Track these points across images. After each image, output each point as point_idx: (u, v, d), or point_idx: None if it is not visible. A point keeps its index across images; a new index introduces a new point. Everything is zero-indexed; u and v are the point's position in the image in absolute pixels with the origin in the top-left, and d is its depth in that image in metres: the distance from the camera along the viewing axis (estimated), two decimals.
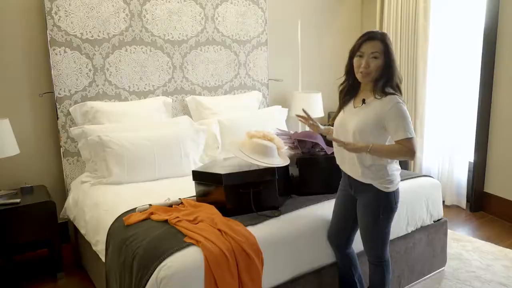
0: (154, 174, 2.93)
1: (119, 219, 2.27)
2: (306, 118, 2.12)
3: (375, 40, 1.90)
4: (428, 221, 2.72)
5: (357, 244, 2.23)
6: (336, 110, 2.11)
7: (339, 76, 2.10)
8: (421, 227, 2.69)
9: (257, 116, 3.64)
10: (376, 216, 1.98)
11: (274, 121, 3.64)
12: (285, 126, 3.74)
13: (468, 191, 3.99)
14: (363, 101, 1.95)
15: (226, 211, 2.17)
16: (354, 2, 4.78)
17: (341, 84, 2.07)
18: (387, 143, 1.95)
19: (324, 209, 2.29)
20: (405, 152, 1.85)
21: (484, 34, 3.65)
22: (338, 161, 2.11)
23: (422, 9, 4.04)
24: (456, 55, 3.91)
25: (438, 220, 2.80)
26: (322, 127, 2.15)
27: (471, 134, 3.90)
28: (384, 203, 1.97)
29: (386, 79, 1.92)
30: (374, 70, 1.91)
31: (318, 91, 4.37)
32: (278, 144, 2.29)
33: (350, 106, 2.02)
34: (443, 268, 2.87)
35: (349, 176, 2.06)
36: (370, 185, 1.97)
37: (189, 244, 1.87)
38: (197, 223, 2.02)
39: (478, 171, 3.87)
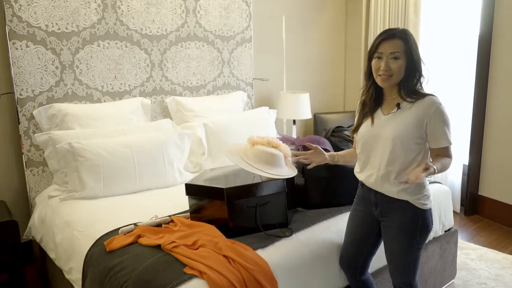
0: (134, 186, 2.58)
1: (99, 242, 1.92)
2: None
3: (394, 39, 1.67)
4: (440, 232, 2.52)
5: (372, 264, 1.99)
6: (356, 120, 1.84)
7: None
8: (433, 238, 2.48)
9: (245, 119, 3.32)
10: (412, 238, 1.73)
11: (264, 124, 3.35)
12: (274, 129, 3.45)
13: (462, 194, 3.85)
14: (398, 106, 1.70)
15: (227, 231, 1.86)
16: None
17: (363, 93, 1.80)
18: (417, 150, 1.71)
19: (339, 225, 2.02)
20: (450, 162, 1.67)
21: (480, 35, 3.50)
22: (361, 178, 1.84)
23: (412, 4, 3.86)
24: (449, 54, 3.75)
25: (449, 229, 2.60)
26: (327, 154, 1.97)
27: (465, 136, 3.76)
28: (421, 223, 1.72)
29: (413, 80, 1.70)
30: (396, 72, 1.67)
31: (304, 91, 4.11)
32: (285, 152, 2.00)
33: (378, 114, 1.76)
34: (452, 280, 2.68)
35: (374, 194, 1.78)
36: (404, 204, 1.71)
37: (191, 276, 1.56)
38: (197, 249, 1.70)
39: (473, 173, 3.73)
